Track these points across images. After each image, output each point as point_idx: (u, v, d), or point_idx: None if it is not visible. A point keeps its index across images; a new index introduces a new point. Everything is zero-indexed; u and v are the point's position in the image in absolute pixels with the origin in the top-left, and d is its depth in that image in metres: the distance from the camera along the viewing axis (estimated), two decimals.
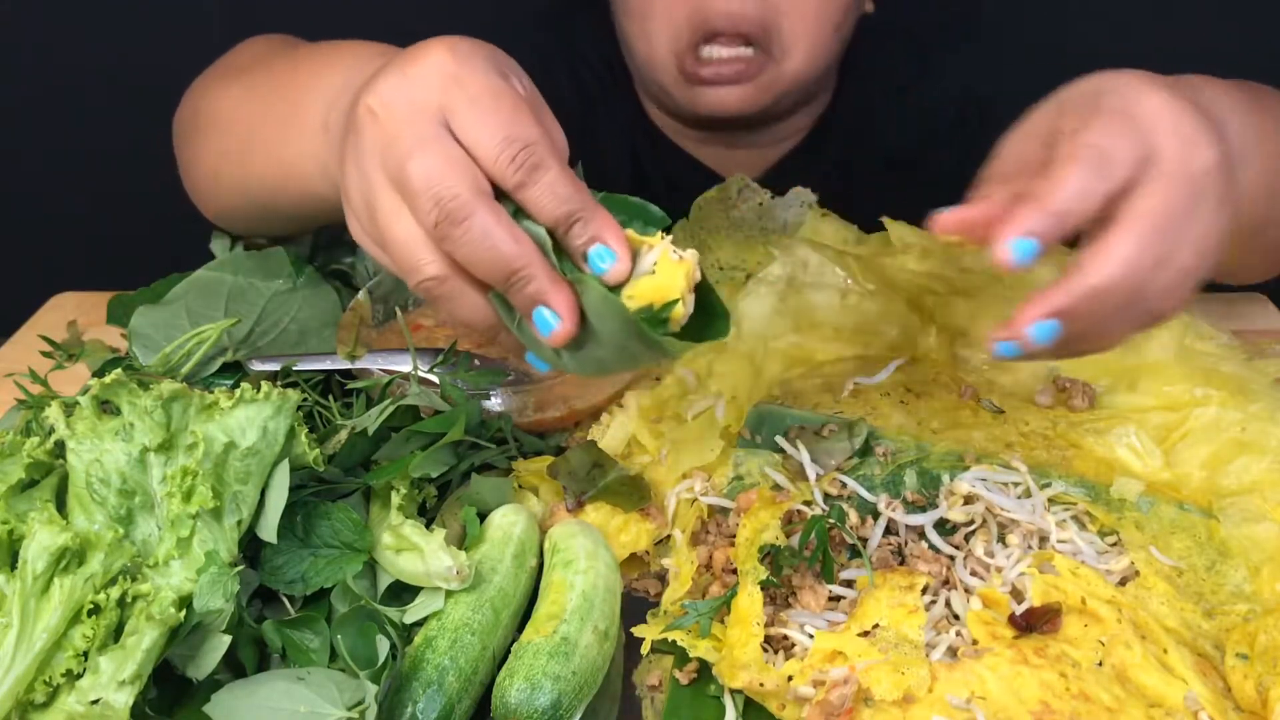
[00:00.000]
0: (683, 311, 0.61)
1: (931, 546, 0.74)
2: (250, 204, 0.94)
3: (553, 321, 0.61)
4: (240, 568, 0.65)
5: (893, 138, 1.25)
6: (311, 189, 0.82)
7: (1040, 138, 0.67)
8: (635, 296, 0.60)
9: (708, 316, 0.63)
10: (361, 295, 0.92)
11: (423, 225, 0.61)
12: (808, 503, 0.77)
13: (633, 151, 1.26)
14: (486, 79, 0.62)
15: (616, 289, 0.60)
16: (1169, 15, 1.63)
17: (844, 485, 0.79)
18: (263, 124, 0.87)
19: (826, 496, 0.78)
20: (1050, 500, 0.77)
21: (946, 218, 0.66)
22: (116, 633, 0.61)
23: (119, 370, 0.68)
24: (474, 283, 0.63)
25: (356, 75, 0.71)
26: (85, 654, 0.60)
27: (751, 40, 1.08)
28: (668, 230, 0.63)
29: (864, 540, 0.75)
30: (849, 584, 0.72)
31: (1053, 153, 0.65)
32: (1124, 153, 0.63)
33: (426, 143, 0.60)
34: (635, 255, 0.61)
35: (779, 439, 0.82)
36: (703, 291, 0.63)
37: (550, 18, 1.26)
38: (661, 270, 0.60)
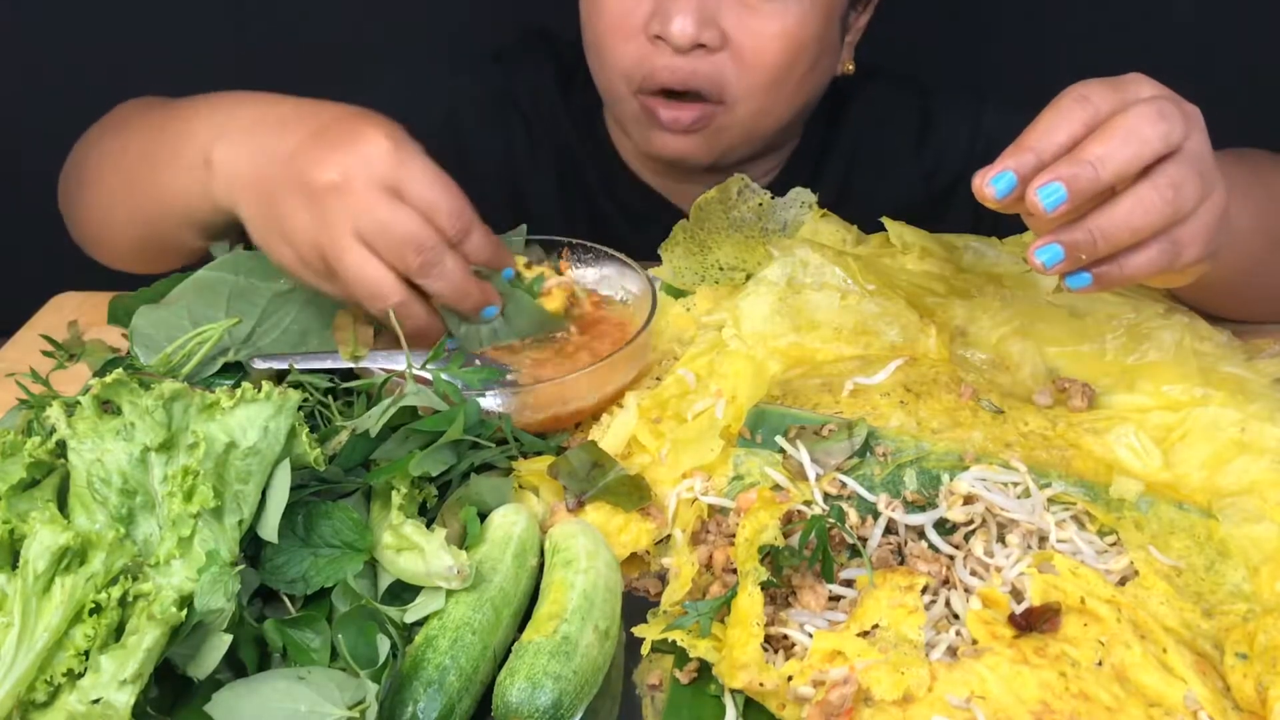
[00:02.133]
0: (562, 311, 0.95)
1: (931, 546, 0.74)
2: (141, 235, 1.03)
3: (493, 310, 0.89)
4: (241, 567, 0.65)
5: (900, 191, 1.26)
6: (195, 217, 0.95)
7: None
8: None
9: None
10: None
11: (403, 267, 0.81)
12: (808, 503, 0.77)
13: (583, 182, 1.27)
14: (423, 161, 0.83)
15: (521, 288, 0.93)
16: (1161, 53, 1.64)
17: (844, 485, 0.79)
18: (145, 165, 0.99)
19: (826, 496, 0.78)
20: (1050, 500, 0.77)
21: (976, 177, 0.73)
22: (118, 632, 0.61)
23: (120, 370, 0.68)
24: (424, 301, 0.84)
25: (229, 119, 0.91)
26: (86, 653, 0.60)
27: (702, 95, 1.09)
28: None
29: (864, 540, 0.75)
30: (849, 584, 0.72)
31: None
32: (1102, 96, 0.72)
33: (396, 208, 0.81)
34: (537, 277, 0.94)
35: (779, 439, 0.82)
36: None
37: (501, 58, 1.29)
38: (557, 295, 0.95)
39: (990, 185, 0.71)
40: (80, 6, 1.73)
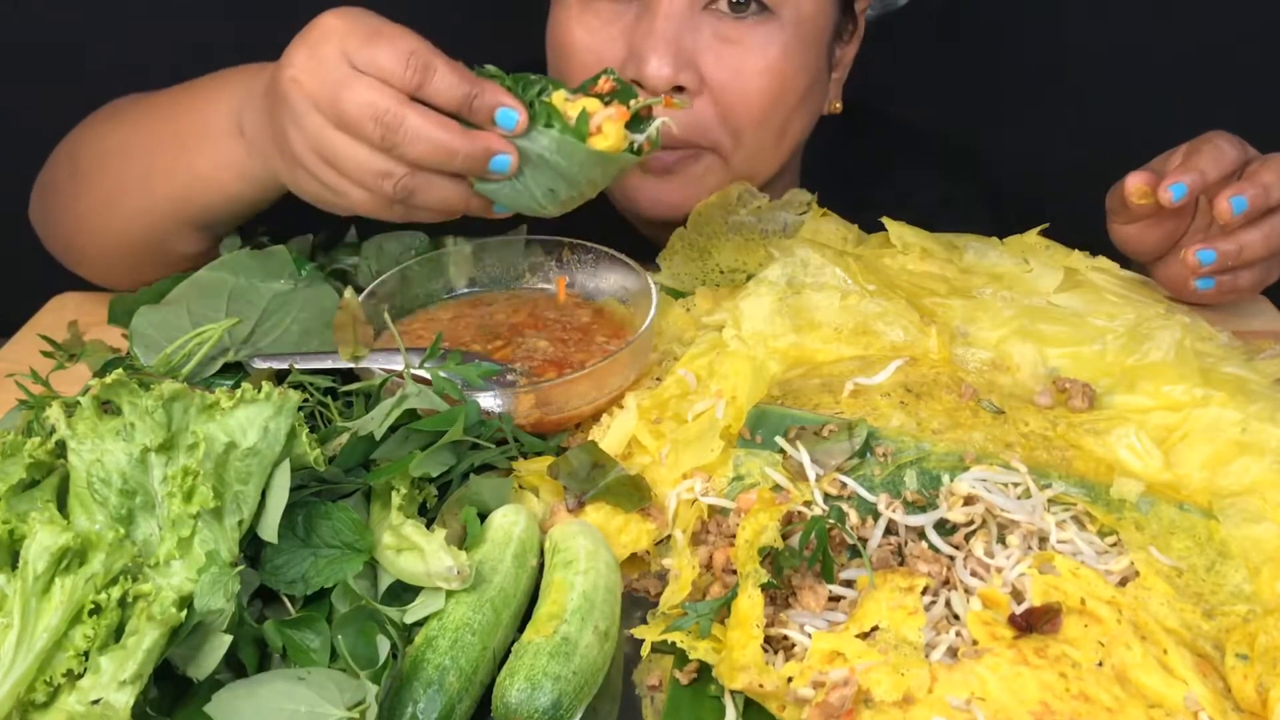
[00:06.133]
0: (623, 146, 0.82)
1: (931, 547, 0.74)
2: (150, 226, 0.99)
3: (505, 160, 0.78)
4: (241, 568, 0.65)
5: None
6: (229, 191, 0.93)
7: (1165, 158, 0.99)
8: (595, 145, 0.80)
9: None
10: (348, 294, 0.91)
11: (373, 144, 0.77)
12: (808, 503, 0.77)
13: (576, 230, 1.22)
14: (368, 22, 0.78)
15: (567, 131, 0.79)
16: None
17: (844, 485, 0.79)
18: (162, 149, 0.96)
19: (826, 497, 0.78)
20: (1050, 501, 0.77)
21: (1134, 178, 0.96)
22: (117, 633, 0.61)
23: (120, 370, 0.68)
24: (436, 171, 0.78)
25: (251, 83, 0.88)
26: (86, 654, 0.60)
27: (686, 145, 1.04)
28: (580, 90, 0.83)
29: (864, 540, 0.75)
30: (849, 584, 0.72)
31: (1179, 155, 0.97)
32: (1241, 144, 0.96)
33: (346, 82, 0.76)
34: (581, 114, 0.80)
35: (779, 439, 0.82)
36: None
37: None
38: (609, 131, 0.80)
39: (1170, 190, 0.92)
40: (81, 6, 1.73)
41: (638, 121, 0.83)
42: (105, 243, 1.03)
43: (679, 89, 1.01)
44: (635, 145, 0.82)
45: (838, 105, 1.17)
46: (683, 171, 1.07)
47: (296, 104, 0.78)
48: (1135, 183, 0.96)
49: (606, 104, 0.82)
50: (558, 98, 0.80)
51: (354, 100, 0.76)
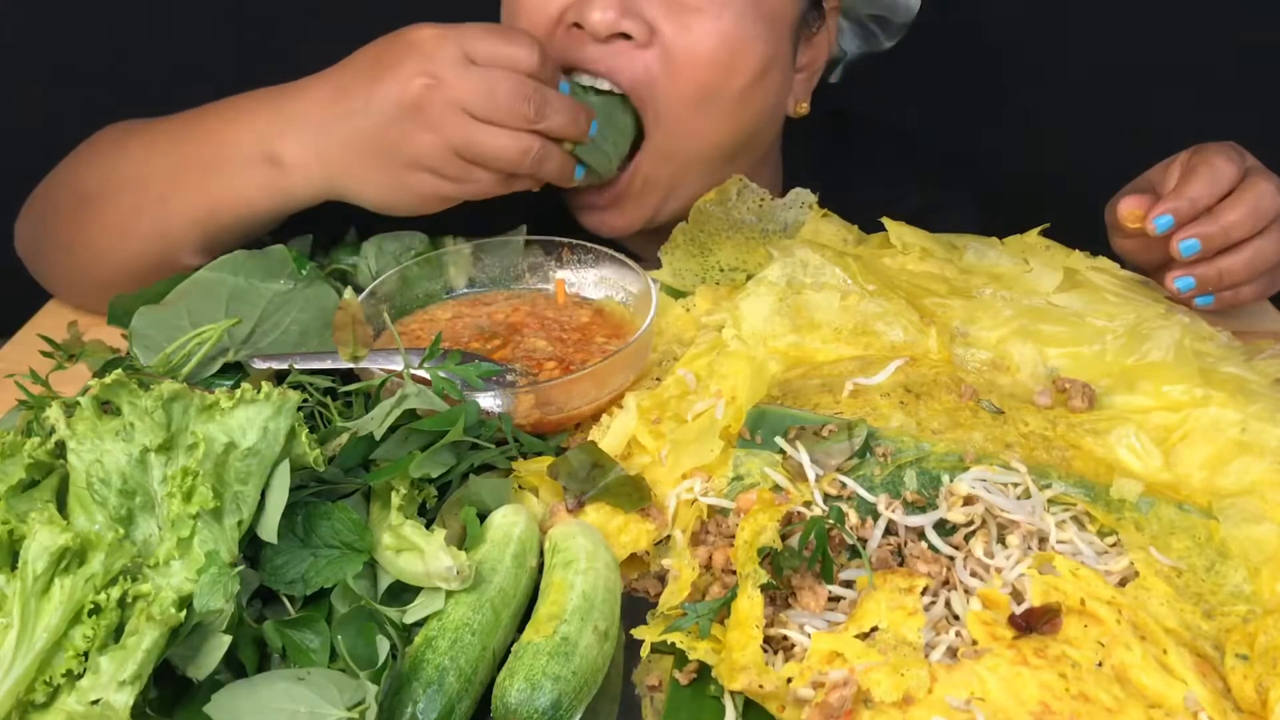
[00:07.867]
0: None
1: (931, 547, 0.74)
2: (164, 248, 1.00)
3: (595, 124, 0.97)
4: (240, 568, 0.65)
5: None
6: (256, 209, 0.98)
7: (1163, 170, 1.00)
8: None
9: None
10: (348, 294, 0.90)
11: (521, 120, 0.90)
12: (807, 503, 0.77)
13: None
14: (455, 26, 0.90)
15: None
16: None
17: (844, 486, 0.79)
18: (181, 173, 0.99)
19: (826, 497, 0.78)
20: (1050, 501, 0.77)
21: (1127, 203, 0.97)
22: (117, 633, 0.61)
23: (119, 370, 0.68)
24: (554, 142, 0.94)
25: (283, 108, 0.95)
26: (85, 654, 0.60)
27: (630, 95, 1.03)
28: None
29: (863, 541, 0.75)
30: (849, 584, 0.72)
31: (1175, 171, 0.98)
32: (1238, 162, 0.95)
33: (488, 77, 0.89)
34: None
35: (779, 439, 0.82)
36: None
37: None
38: None
39: (1154, 222, 0.94)
40: (80, 7, 1.73)
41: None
42: (113, 265, 1.03)
43: (624, 36, 1.00)
44: None
45: (804, 106, 1.15)
46: (621, 203, 1.08)
47: (435, 108, 0.88)
48: (1129, 207, 0.97)
49: None
50: None
51: (505, 90, 0.89)
